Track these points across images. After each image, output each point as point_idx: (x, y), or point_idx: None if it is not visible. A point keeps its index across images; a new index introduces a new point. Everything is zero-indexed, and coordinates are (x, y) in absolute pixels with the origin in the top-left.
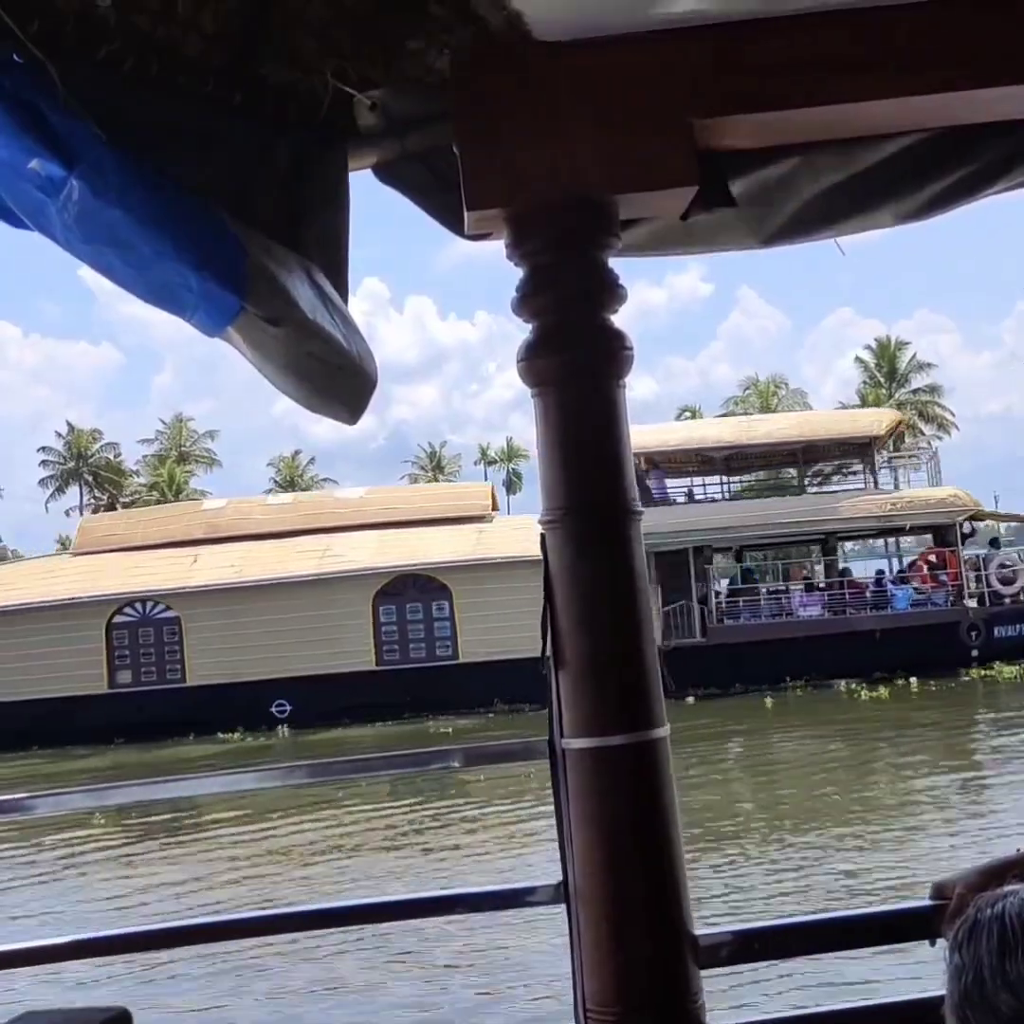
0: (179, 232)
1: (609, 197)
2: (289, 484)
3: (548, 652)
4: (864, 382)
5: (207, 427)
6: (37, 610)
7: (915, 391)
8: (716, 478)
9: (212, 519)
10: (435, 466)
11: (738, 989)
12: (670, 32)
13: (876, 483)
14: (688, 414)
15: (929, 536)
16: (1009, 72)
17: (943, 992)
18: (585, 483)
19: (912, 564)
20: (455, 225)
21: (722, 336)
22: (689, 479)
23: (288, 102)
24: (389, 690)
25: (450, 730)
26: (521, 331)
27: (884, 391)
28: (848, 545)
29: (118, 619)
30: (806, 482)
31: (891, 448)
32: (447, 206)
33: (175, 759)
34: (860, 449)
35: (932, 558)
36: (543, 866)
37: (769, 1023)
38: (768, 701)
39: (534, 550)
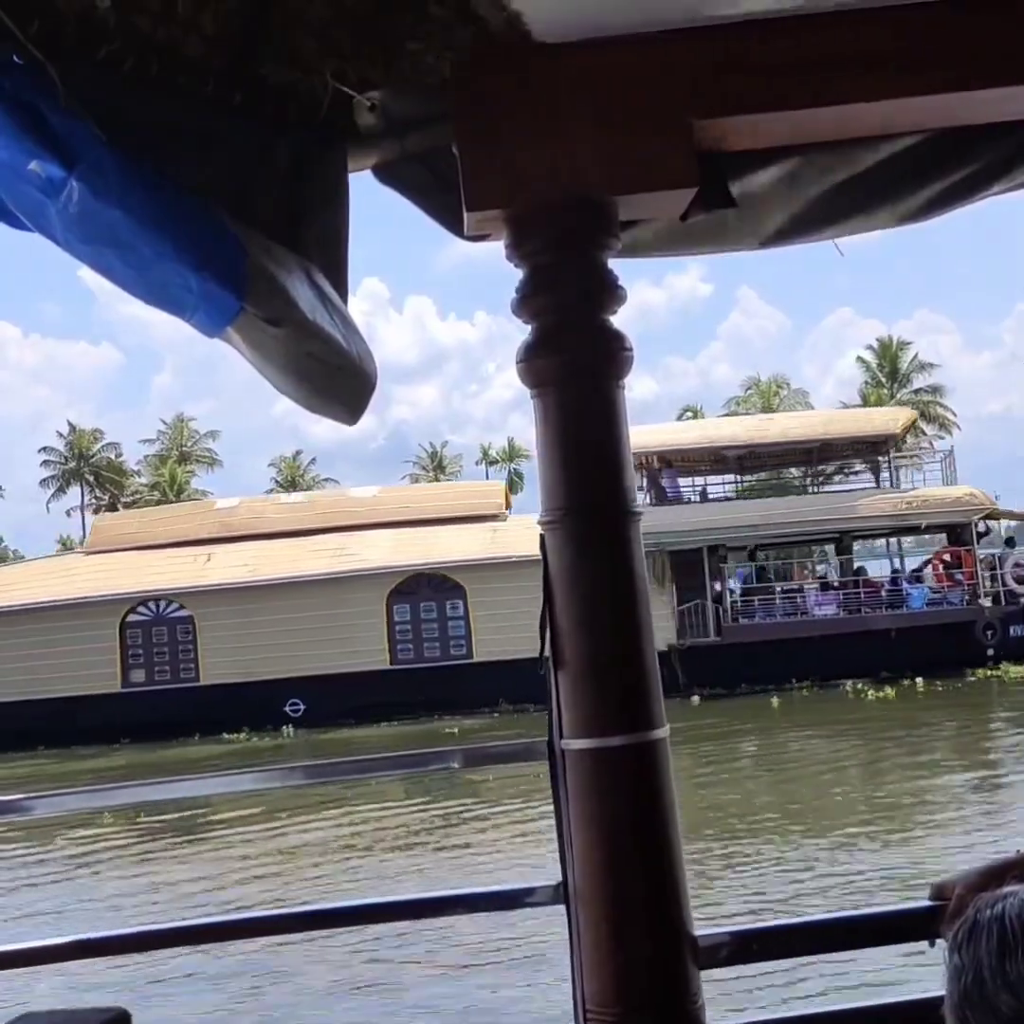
0: (179, 233)
1: (609, 198)
2: (290, 484)
3: (548, 653)
4: (866, 382)
5: (207, 427)
6: (51, 609)
7: (917, 391)
8: (718, 478)
9: (225, 518)
10: (436, 466)
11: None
12: (670, 33)
13: (892, 482)
14: (690, 414)
15: (929, 535)
16: (1009, 73)
17: (943, 993)
18: (585, 484)
19: (926, 562)
20: (455, 226)
21: (722, 336)
22: (697, 479)
23: (288, 102)
24: (403, 689)
25: (456, 730)
26: (520, 332)
27: (886, 391)
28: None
29: (132, 618)
30: (808, 482)
31: (895, 448)
32: (447, 207)
33: (182, 759)
34: (874, 448)
35: (946, 557)
36: (554, 866)
37: (769, 1023)
38: (775, 701)
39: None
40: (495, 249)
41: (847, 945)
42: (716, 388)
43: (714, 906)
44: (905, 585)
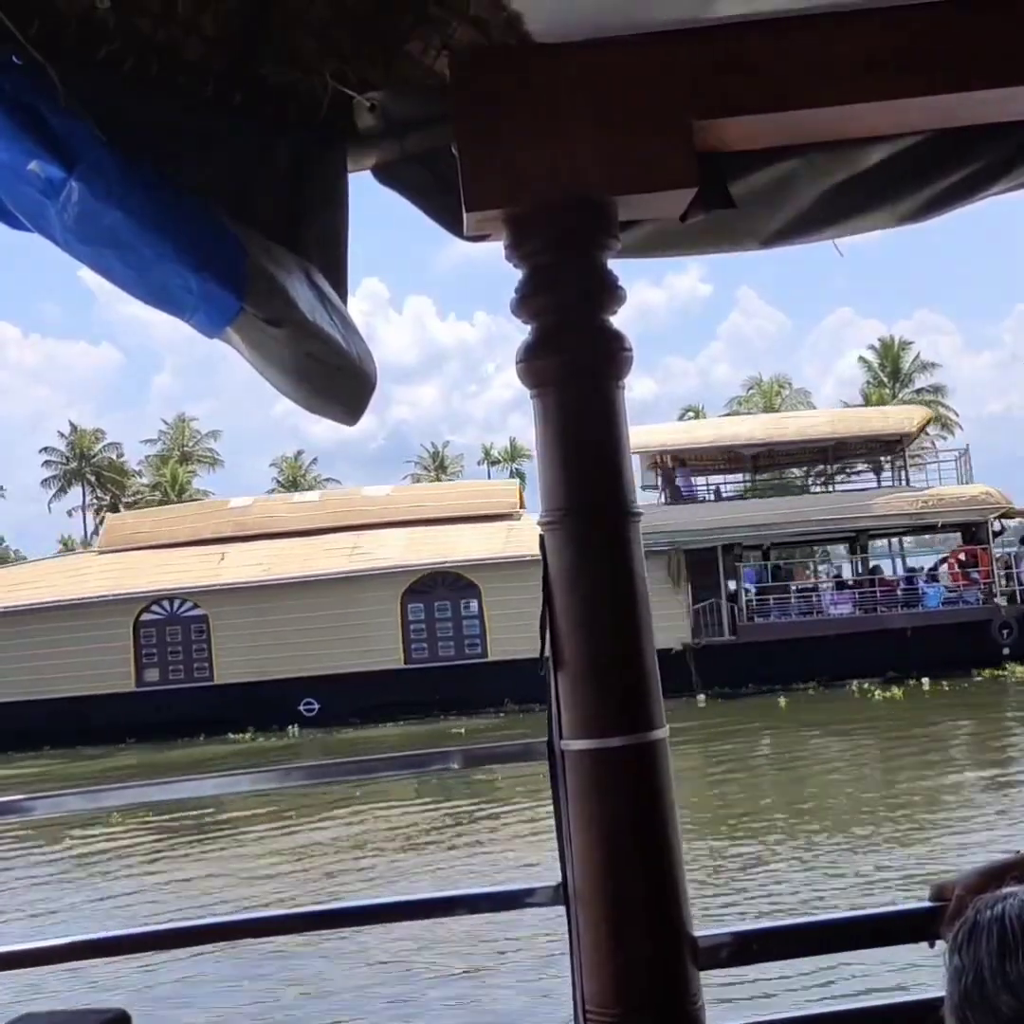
0: (179, 233)
1: (609, 198)
2: (292, 484)
3: (548, 653)
4: (868, 382)
5: (207, 427)
6: (64, 608)
7: (919, 391)
8: (721, 477)
9: (238, 517)
10: (438, 466)
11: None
12: (670, 33)
13: (907, 480)
14: (691, 414)
15: (930, 535)
16: (1009, 73)
17: (942, 993)
18: (584, 484)
19: (941, 561)
20: (454, 226)
21: (722, 336)
22: (711, 477)
23: (288, 103)
24: (418, 688)
25: (463, 730)
26: (520, 332)
27: (888, 391)
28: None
29: (146, 617)
30: (811, 481)
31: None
32: (446, 207)
33: (196, 759)
34: (888, 446)
35: (961, 556)
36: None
37: (769, 1023)
38: (782, 700)
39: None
40: (495, 249)
41: (847, 946)
42: (716, 388)
43: (733, 907)
44: (921, 584)
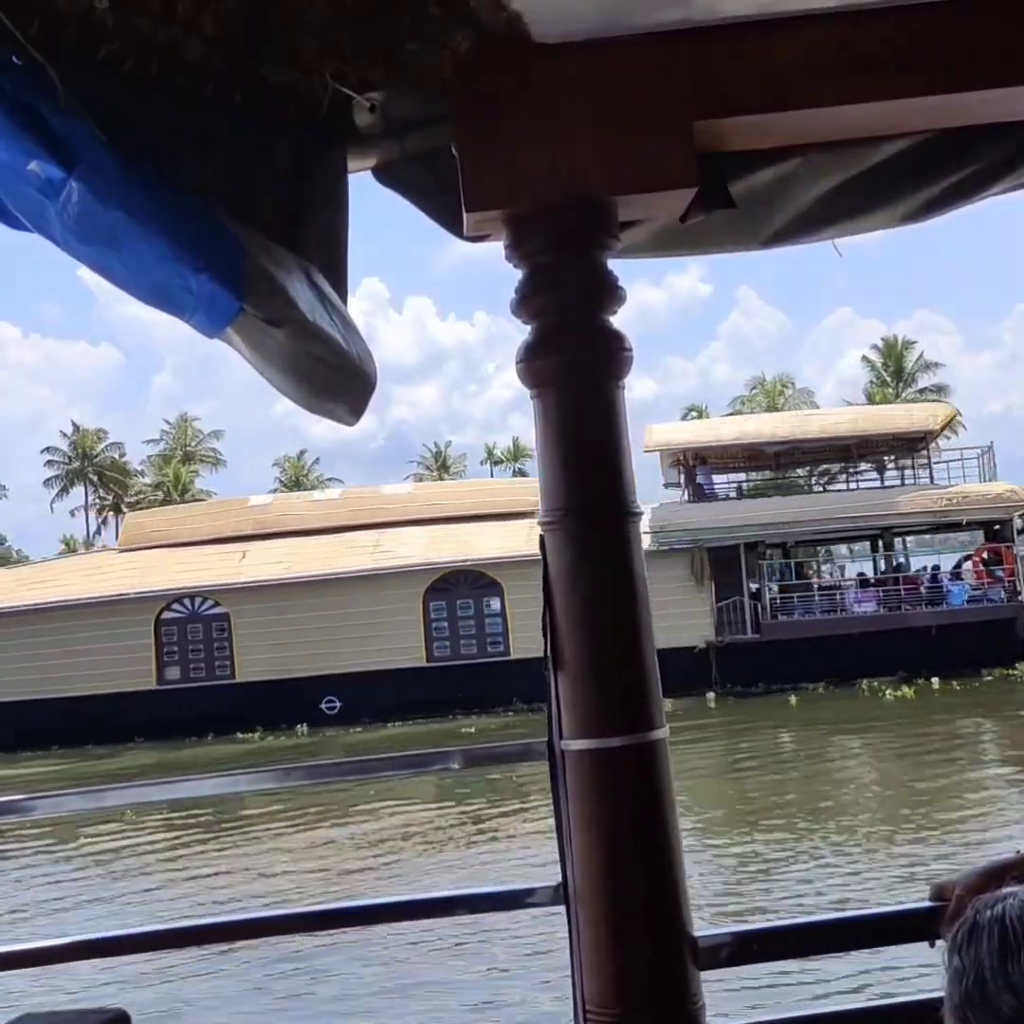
0: (179, 233)
1: (609, 198)
2: (294, 484)
3: (548, 653)
4: (871, 381)
5: (208, 427)
6: (86, 606)
7: (922, 390)
8: (738, 475)
9: (259, 515)
10: (440, 466)
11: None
12: (670, 33)
13: (931, 478)
14: (694, 413)
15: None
16: (1009, 73)
17: (942, 994)
18: (584, 484)
19: (965, 558)
20: (454, 226)
21: (722, 336)
22: (730, 475)
23: (288, 103)
24: (440, 686)
25: (473, 728)
26: (520, 332)
27: (891, 390)
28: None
29: (167, 615)
30: (813, 481)
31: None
32: (446, 207)
33: (212, 758)
34: (910, 444)
35: (985, 554)
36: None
37: (771, 1023)
38: (793, 699)
39: None
40: (495, 249)
41: (848, 946)
42: (716, 388)
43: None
44: (945, 582)
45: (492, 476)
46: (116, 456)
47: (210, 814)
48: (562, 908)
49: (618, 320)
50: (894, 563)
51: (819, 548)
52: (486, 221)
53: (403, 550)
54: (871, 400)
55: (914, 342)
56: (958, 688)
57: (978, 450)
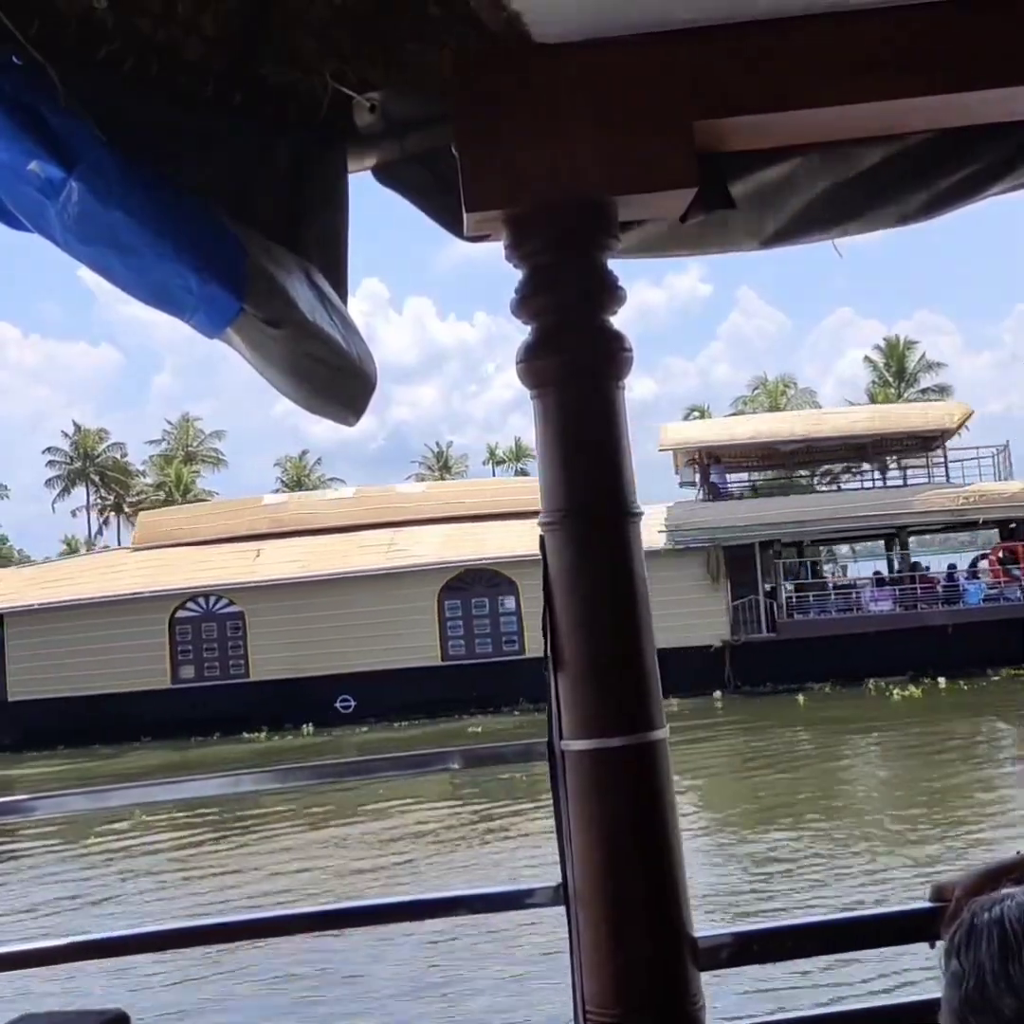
0: (179, 233)
1: (609, 198)
2: (296, 484)
3: (548, 653)
4: (873, 381)
5: (208, 428)
6: (100, 605)
7: (924, 390)
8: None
9: (274, 514)
10: (442, 466)
11: None
12: (670, 33)
13: (947, 476)
14: (696, 413)
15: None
16: (1009, 73)
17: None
18: (584, 485)
19: (981, 557)
20: (454, 226)
21: (722, 336)
22: (742, 474)
23: (288, 103)
24: (455, 685)
25: (479, 728)
26: (520, 332)
27: (893, 390)
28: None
29: (181, 614)
30: (815, 481)
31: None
32: (446, 207)
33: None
34: (925, 443)
35: (1001, 553)
36: None
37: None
38: (801, 699)
39: None
40: (495, 249)
41: (848, 946)
42: (716, 388)
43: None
44: (962, 581)
45: (494, 476)
46: (118, 456)
47: (218, 814)
48: (562, 908)
49: (618, 320)
50: (910, 562)
51: (834, 547)
52: (486, 221)
53: (418, 549)
54: (873, 400)
55: (916, 342)
56: (965, 688)
57: (993, 449)
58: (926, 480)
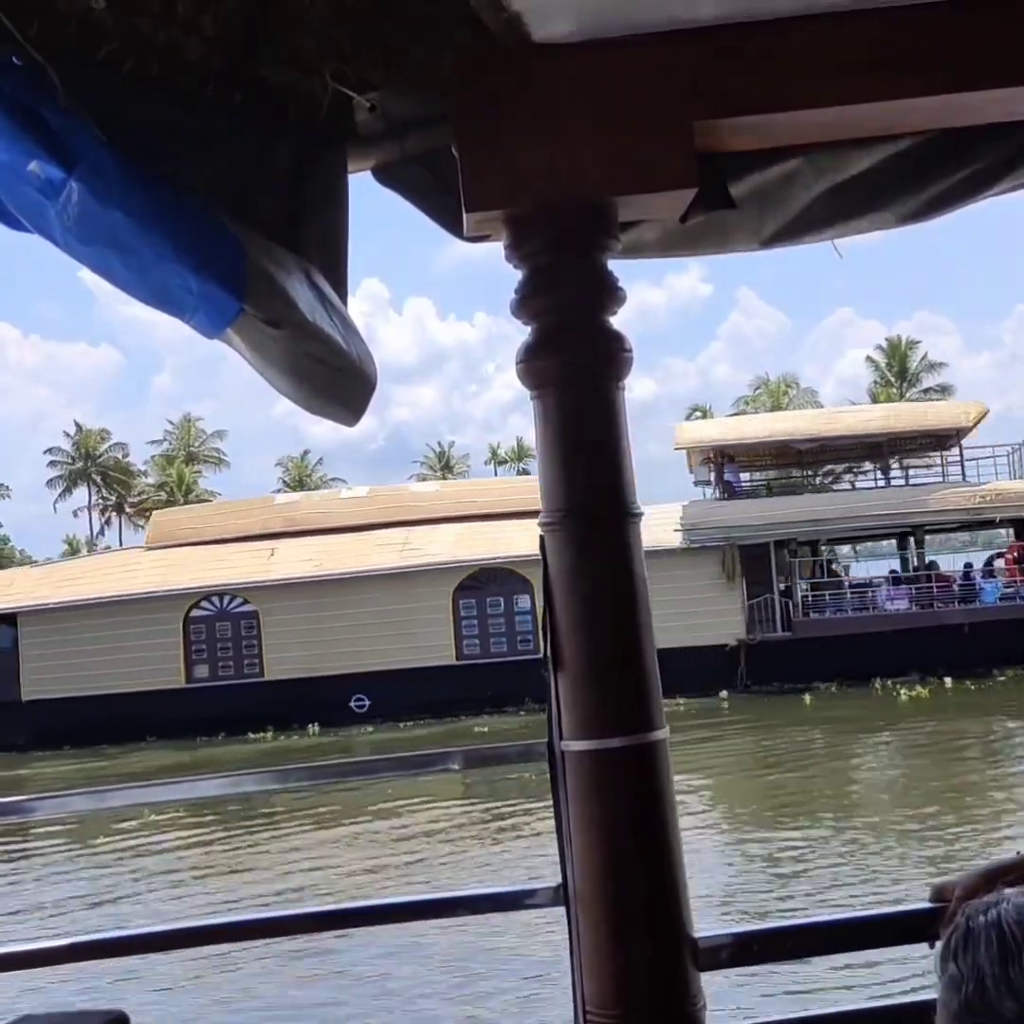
0: (179, 233)
1: (609, 198)
2: (298, 484)
3: (548, 654)
4: (875, 381)
5: (209, 428)
6: (114, 604)
7: (926, 390)
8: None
9: (288, 513)
10: (444, 466)
11: None
12: (670, 33)
13: (963, 475)
14: (699, 413)
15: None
16: (1009, 74)
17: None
18: (585, 485)
19: (997, 555)
20: (454, 227)
21: (722, 337)
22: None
23: (288, 103)
24: (470, 685)
25: (485, 728)
26: (520, 333)
27: (895, 390)
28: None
29: (195, 613)
30: (818, 480)
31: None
32: (446, 208)
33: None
34: (939, 441)
35: (1016, 553)
36: None
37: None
38: (807, 698)
39: None
40: (495, 250)
41: (848, 946)
42: (716, 388)
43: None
44: (978, 580)
45: (496, 476)
46: (119, 456)
47: (228, 813)
48: (562, 909)
49: (618, 320)
50: (926, 561)
51: (836, 547)
52: (486, 221)
53: (432, 548)
54: (875, 400)
55: (918, 342)
56: (973, 688)
57: (1009, 448)
58: (939, 479)
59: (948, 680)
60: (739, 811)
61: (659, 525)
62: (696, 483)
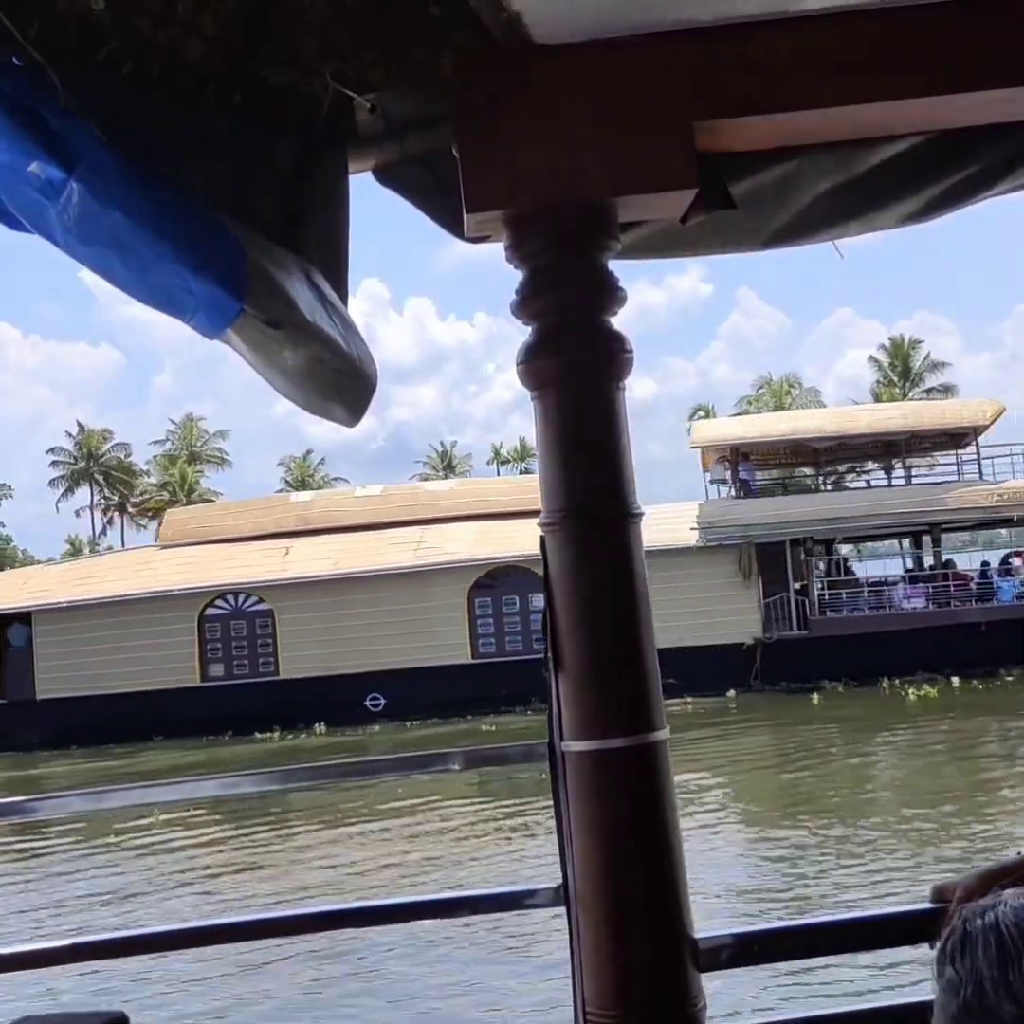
0: (179, 234)
1: (609, 199)
2: (301, 484)
3: (548, 654)
4: (878, 381)
5: (209, 428)
6: (129, 602)
7: (929, 390)
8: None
9: (302, 511)
10: (446, 466)
11: None
12: (670, 34)
13: (980, 473)
14: (701, 413)
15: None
16: (1010, 74)
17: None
18: (585, 485)
19: (1013, 554)
20: (455, 227)
21: (722, 337)
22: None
23: (288, 104)
24: (485, 683)
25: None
26: (520, 333)
27: (898, 390)
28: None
29: (210, 612)
30: (821, 480)
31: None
32: (447, 208)
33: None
34: (955, 439)
35: None
36: None
37: None
38: (815, 698)
39: None
40: (495, 250)
41: (849, 947)
42: (716, 388)
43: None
44: (995, 578)
45: (498, 475)
46: (122, 456)
47: (238, 812)
48: (562, 909)
49: (618, 321)
50: (942, 559)
51: (851, 545)
52: (486, 222)
53: (448, 546)
54: (878, 400)
55: (921, 342)
56: (980, 687)
57: None
58: (955, 477)
59: (955, 679)
60: (755, 808)
61: (676, 523)
62: (712, 481)
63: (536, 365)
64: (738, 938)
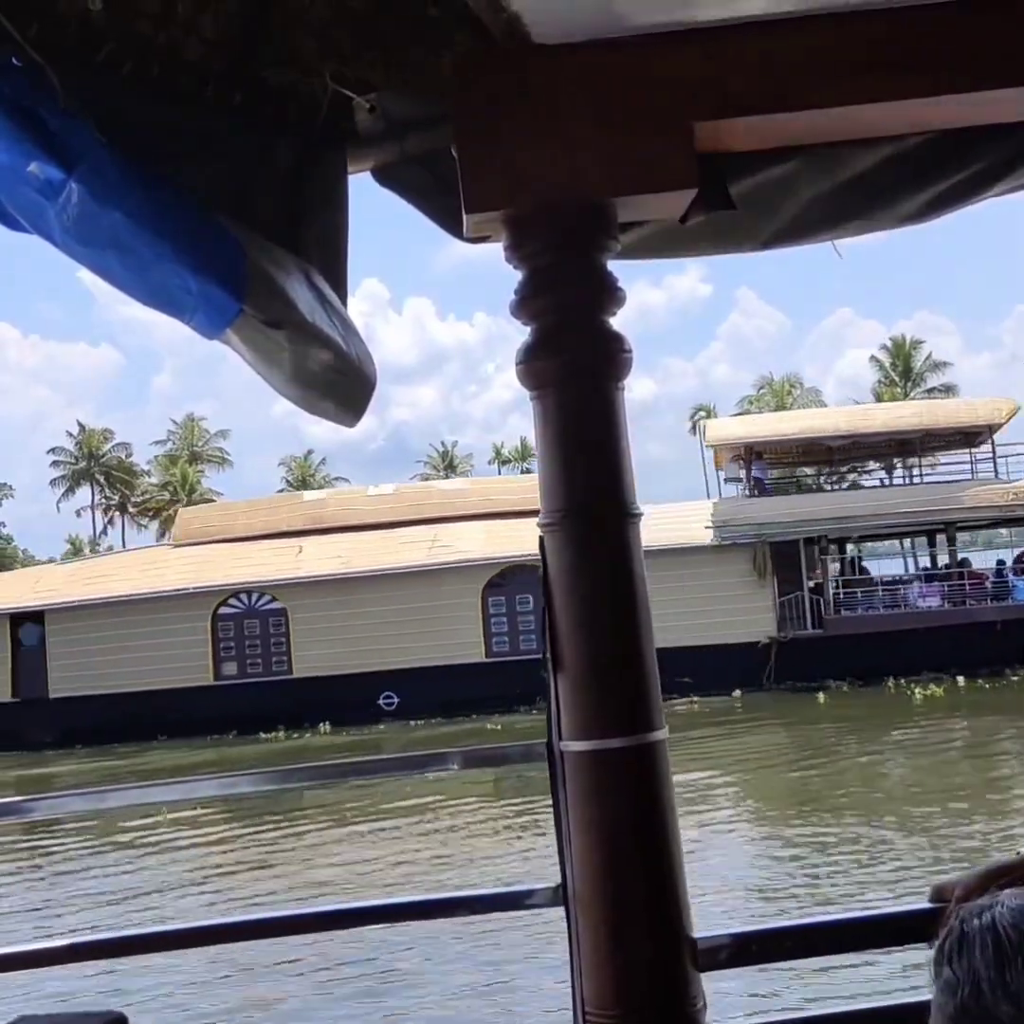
0: (178, 234)
1: (608, 199)
2: (302, 484)
3: (548, 654)
4: (879, 381)
5: (209, 428)
6: (142, 601)
7: (930, 390)
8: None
9: (314, 510)
10: (447, 466)
11: None
12: (670, 34)
13: (995, 472)
14: (703, 413)
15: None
16: (1009, 74)
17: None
18: (584, 486)
19: None
20: (454, 227)
21: (721, 337)
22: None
23: (288, 104)
24: (498, 682)
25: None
26: (520, 333)
27: (899, 390)
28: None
29: (223, 611)
30: (822, 480)
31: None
32: (446, 208)
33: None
34: (968, 438)
35: None
36: None
37: None
38: (821, 697)
39: (645, 538)
40: (494, 250)
41: (848, 947)
42: (715, 388)
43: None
44: (1011, 577)
45: (499, 474)
46: (122, 456)
47: (247, 810)
48: (561, 910)
49: (618, 321)
50: (957, 558)
51: (881, 543)
52: (486, 222)
53: (460, 545)
54: (879, 399)
55: (922, 341)
56: (987, 686)
57: None
58: (969, 476)
59: (961, 679)
60: (766, 807)
61: (689, 522)
62: (726, 480)
63: (536, 365)
64: (737, 938)
